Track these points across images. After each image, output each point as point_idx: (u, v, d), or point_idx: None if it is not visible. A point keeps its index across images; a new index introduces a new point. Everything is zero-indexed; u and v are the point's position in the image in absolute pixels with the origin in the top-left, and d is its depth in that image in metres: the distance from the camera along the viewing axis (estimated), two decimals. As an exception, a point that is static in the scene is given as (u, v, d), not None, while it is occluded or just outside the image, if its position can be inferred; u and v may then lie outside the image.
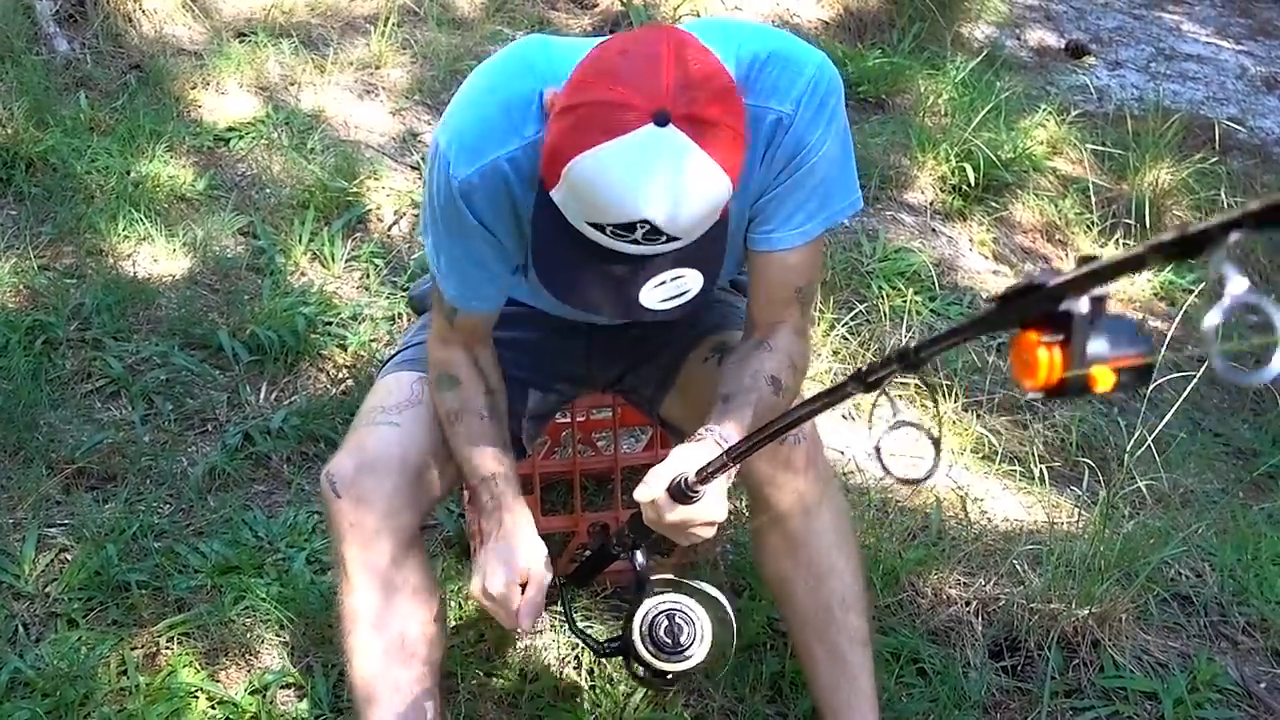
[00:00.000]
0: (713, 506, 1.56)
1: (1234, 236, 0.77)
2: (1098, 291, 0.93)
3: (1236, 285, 0.79)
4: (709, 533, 1.60)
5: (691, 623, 1.66)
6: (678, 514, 1.55)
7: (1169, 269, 3.87)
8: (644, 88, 1.41)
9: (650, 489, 1.56)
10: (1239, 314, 0.80)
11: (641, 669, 1.69)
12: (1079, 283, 0.91)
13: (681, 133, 1.41)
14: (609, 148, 1.41)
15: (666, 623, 1.66)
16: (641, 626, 1.66)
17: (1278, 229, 0.75)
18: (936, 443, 1.16)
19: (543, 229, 1.55)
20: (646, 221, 1.44)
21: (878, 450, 1.20)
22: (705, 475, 1.50)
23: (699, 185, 1.44)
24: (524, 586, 1.73)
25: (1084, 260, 0.90)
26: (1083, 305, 0.93)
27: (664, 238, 1.47)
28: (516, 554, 1.74)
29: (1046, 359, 0.94)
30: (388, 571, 1.80)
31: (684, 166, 1.42)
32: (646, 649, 1.66)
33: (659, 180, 1.41)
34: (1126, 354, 0.94)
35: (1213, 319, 0.80)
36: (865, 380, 1.17)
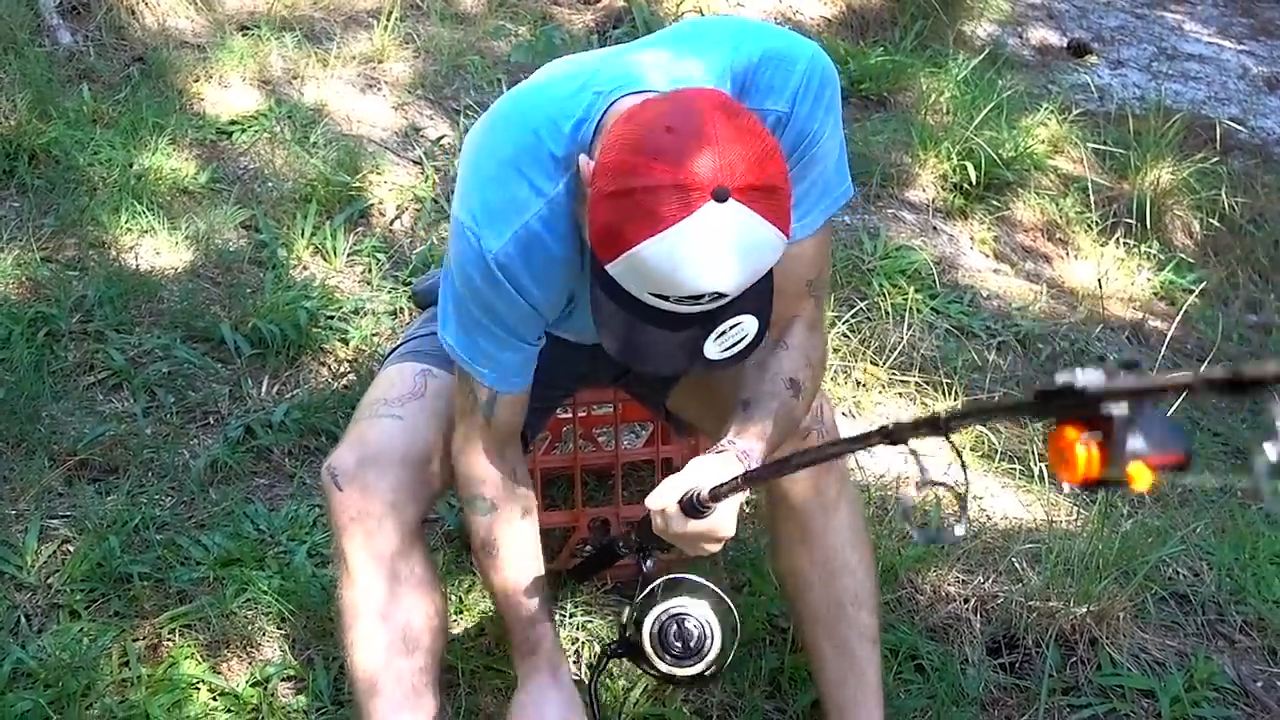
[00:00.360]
0: (722, 523, 1.57)
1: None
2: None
3: None
4: (714, 549, 1.62)
5: (701, 625, 1.67)
6: (686, 527, 1.56)
7: (1169, 270, 3.89)
8: (699, 166, 1.40)
9: (662, 498, 1.57)
10: None
11: (654, 671, 1.71)
12: (1123, 392, 0.91)
13: (740, 204, 1.41)
14: (674, 233, 1.40)
15: (676, 627, 1.67)
16: (652, 631, 1.68)
17: None
18: (963, 500, 1.18)
19: (600, 299, 1.51)
20: (716, 293, 1.45)
21: (906, 516, 1.22)
22: (719, 494, 1.51)
23: (761, 251, 1.45)
24: None
25: (1126, 365, 0.91)
26: (1122, 408, 0.93)
27: (727, 298, 1.47)
28: (554, 714, 1.81)
29: (1084, 457, 0.94)
30: (389, 564, 1.81)
31: (746, 237, 1.42)
32: (657, 654, 1.67)
33: (725, 255, 1.42)
34: (1165, 453, 0.94)
35: (1267, 456, 0.81)
36: (891, 437, 1.18)
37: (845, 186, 1.80)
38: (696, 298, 1.45)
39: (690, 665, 1.67)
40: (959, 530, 1.20)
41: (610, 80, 1.62)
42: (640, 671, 1.77)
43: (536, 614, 1.82)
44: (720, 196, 1.40)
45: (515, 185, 1.62)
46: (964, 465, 1.20)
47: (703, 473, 1.57)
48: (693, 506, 1.54)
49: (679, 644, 1.66)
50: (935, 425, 1.12)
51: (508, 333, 1.70)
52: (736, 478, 1.50)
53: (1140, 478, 0.93)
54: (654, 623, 1.67)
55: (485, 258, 1.62)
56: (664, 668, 1.67)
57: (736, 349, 1.54)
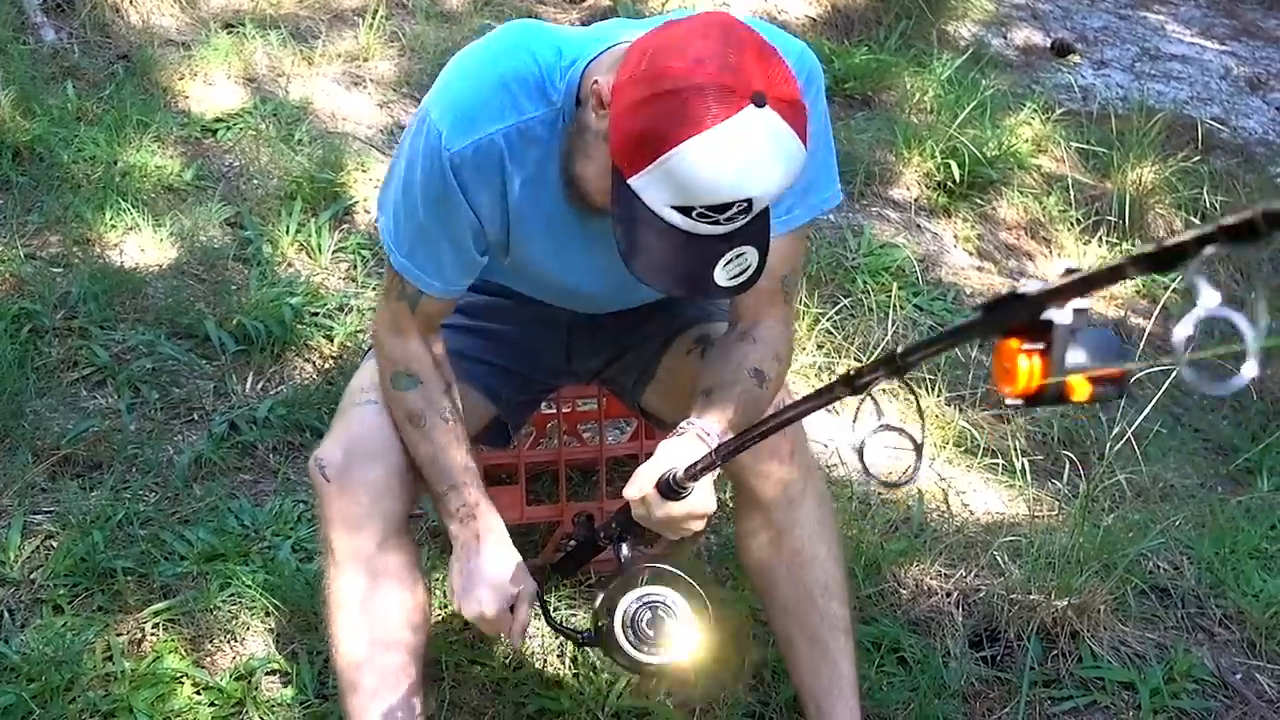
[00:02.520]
0: (701, 500, 1.58)
1: (1208, 250, 0.79)
2: (1080, 303, 0.96)
3: (1208, 298, 0.81)
4: (699, 525, 1.62)
5: (673, 615, 1.67)
6: (667, 510, 1.57)
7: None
8: (737, 70, 1.41)
9: (639, 486, 1.58)
10: (1209, 326, 0.82)
11: (623, 660, 1.70)
12: (1061, 292, 0.93)
13: (775, 113, 1.42)
14: (717, 132, 1.40)
15: (649, 614, 1.67)
16: (624, 618, 1.67)
17: (1250, 244, 0.77)
18: (919, 446, 1.19)
19: (621, 215, 1.50)
20: (747, 200, 1.45)
21: (860, 453, 1.22)
22: (693, 473, 1.52)
23: (790, 161, 1.46)
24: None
25: (1067, 272, 0.92)
26: (1065, 315, 0.95)
27: (739, 216, 1.47)
28: (504, 573, 1.77)
29: (1026, 367, 0.96)
30: (375, 558, 1.81)
31: (781, 145, 1.44)
32: (628, 640, 1.67)
33: (764, 160, 1.43)
34: (1105, 366, 0.96)
35: (1183, 330, 0.82)
36: (853, 383, 1.19)
37: (832, 192, 1.80)
38: (723, 208, 1.45)
39: (659, 654, 1.65)
40: (915, 478, 1.21)
41: (616, 33, 1.64)
42: (610, 662, 1.76)
43: (468, 478, 1.80)
44: (759, 101, 1.41)
45: (495, 96, 1.63)
46: (919, 404, 1.21)
47: (673, 455, 1.58)
48: (670, 489, 1.55)
49: (651, 631, 1.65)
50: (891, 364, 1.13)
51: (445, 234, 1.70)
52: (710, 453, 1.50)
53: (1079, 389, 0.96)
54: (627, 608, 1.66)
55: (442, 154, 1.62)
56: (632, 653, 1.66)
57: (741, 278, 1.54)
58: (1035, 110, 4.44)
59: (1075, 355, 0.95)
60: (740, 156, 1.41)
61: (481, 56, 1.68)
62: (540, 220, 1.71)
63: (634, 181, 1.46)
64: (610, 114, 1.49)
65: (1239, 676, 2.40)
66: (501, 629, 1.78)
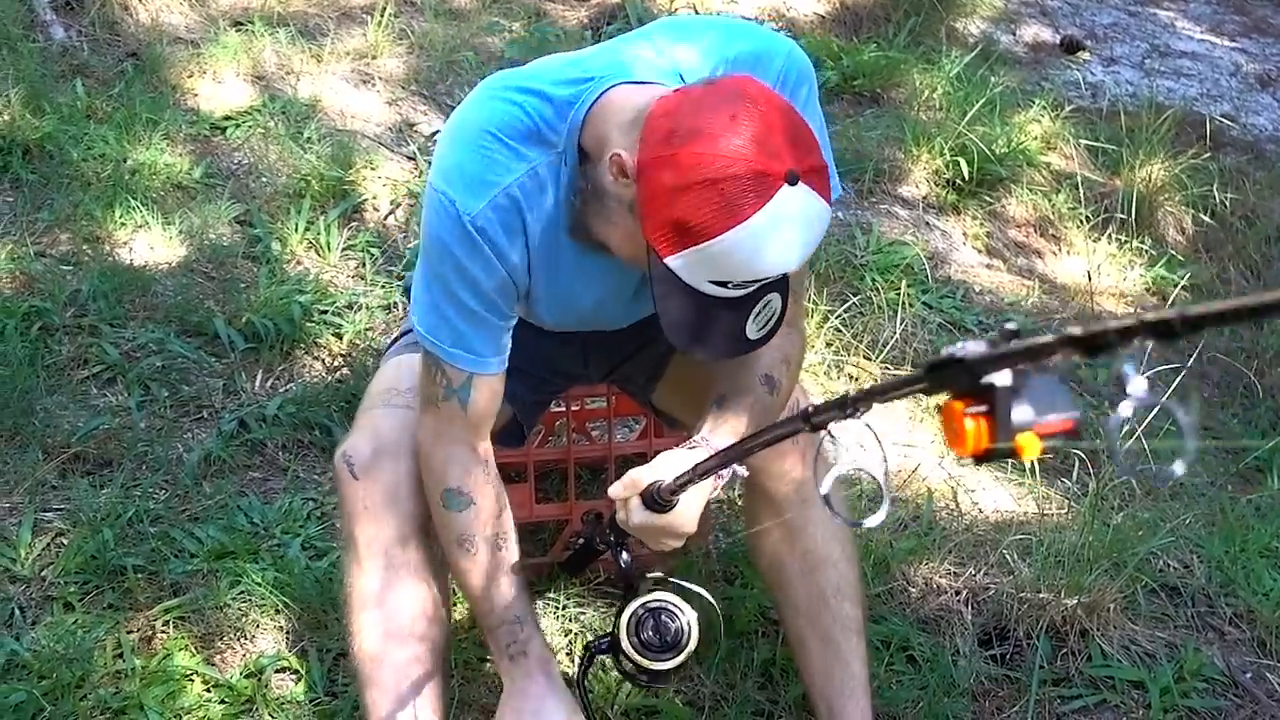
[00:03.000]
0: (682, 519, 1.58)
1: (1133, 341, 0.80)
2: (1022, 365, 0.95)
3: (1136, 386, 0.84)
4: (675, 544, 1.63)
5: (677, 619, 1.68)
6: (645, 519, 1.57)
7: (1160, 266, 3.90)
8: (771, 153, 1.43)
9: (624, 489, 1.58)
10: (1142, 413, 0.85)
11: (629, 666, 1.71)
12: (998, 360, 0.93)
13: (806, 186, 1.45)
14: (757, 219, 1.43)
15: (653, 621, 1.67)
16: (629, 625, 1.68)
17: (1173, 340, 0.79)
18: (882, 483, 1.22)
19: (661, 292, 1.52)
20: (784, 274, 1.49)
21: (827, 501, 1.25)
22: (677, 486, 1.52)
23: (821, 226, 1.50)
24: None
25: (1007, 335, 0.93)
26: (1005, 378, 0.95)
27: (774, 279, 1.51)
28: None
29: (973, 430, 0.96)
30: (397, 554, 1.81)
31: (812, 216, 1.47)
32: (633, 647, 1.67)
33: (797, 236, 1.47)
34: (1051, 420, 0.96)
35: (1116, 417, 0.85)
36: (810, 421, 1.22)
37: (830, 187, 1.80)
38: (757, 280, 1.48)
39: (664, 660, 1.67)
40: (878, 517, 1.24)
41: (603, 68, 1.63)
42: (624, 673, 1.77)
43: (521, 614, 1.80)
44: (792, 180, 1.43)
45: (496, 152, 1.62)
46: (879, 443, 1.23)
47: (668, 466, 1.57)
48: (654, 499, 1.55)
49: (655, 637, 1.67)
50: (844, 406, 1.16)
51: (484, 305, 1.68)
52: (690, 469, 1.50)
53: (1029, 447, 0.95)
54: (632, 615, 1.67)
55: (462, 220, 1.61)
56: (637, 658, 1.67)
57: (769, 326, 1.57)
58: (1044, 107, 4.43)
59: (1021, 412, 0.95)
60: (779, 238, 1.45)
61: (469, 119, 1.67)
62: (555, 260, 1.71)
63: (671, 261, 1.48)
64: (639, 193, 1.49)
65: (1249, 675, 2.40)
66: None
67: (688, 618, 1.68)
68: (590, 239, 1.64)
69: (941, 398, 1.00)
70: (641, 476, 1.57)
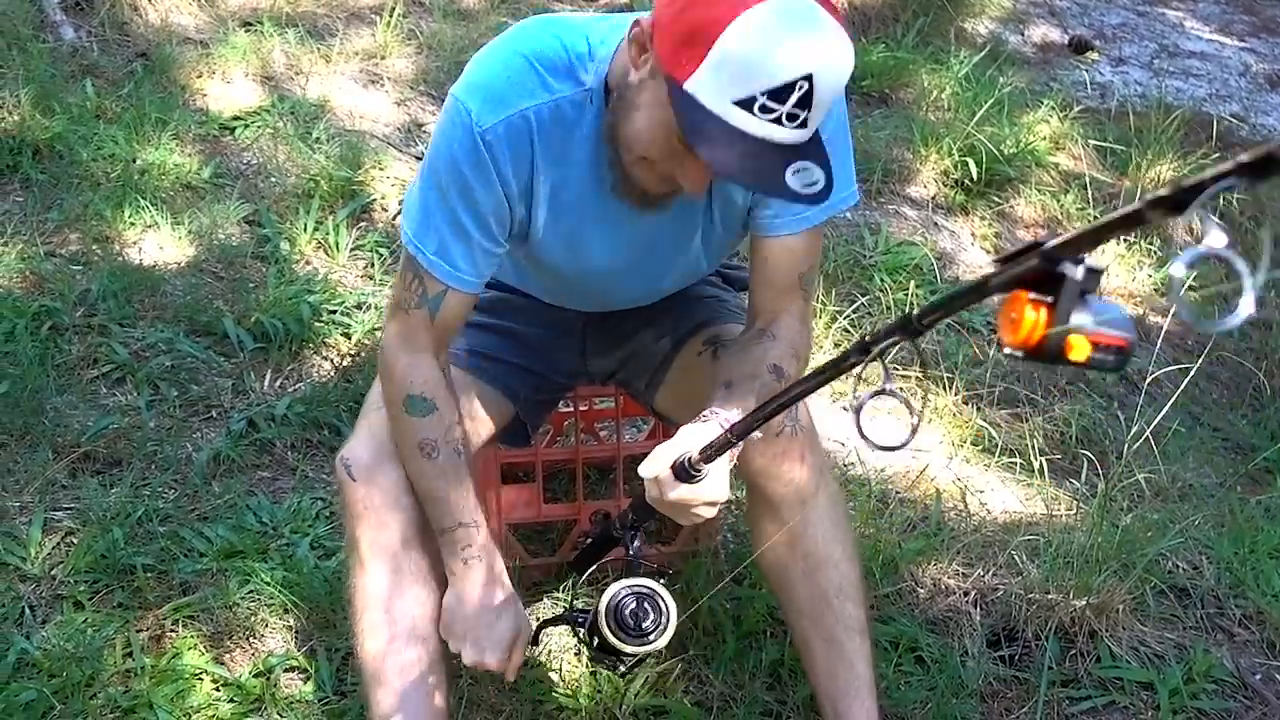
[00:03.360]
0: (715, 486, 1.58)
1: (1223, 184, 0.79)
2: (1096, 263, 0.96)
3: (1215, 239, 0.82)
4: (710, 512, 1.62)
5: (658, 609, 1.68)
6: (680, 492, 1.56)
7: (1169, 267, 3.88)
8: None
9: (654, 465, 1.57)
10: (1206, 263, 0.83)
11: (597, 642, 1.72)
12: (1077, 242, 0.94)
13: (814, 1, 1.45)
14: (765, 7, 1.42)
15: (634, 604, 1.68)
16: (610, 603, 1.68)
17: (1267, 180, 0.77)
18: (912, 410, 1.19)
19: (690, 128, 1.49)
20: (807, 79, 1.44)
21: (857, 413, 1.22)
22: (708, 453, 1.51)
23: (842, 46, 1.48)
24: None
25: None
26: (1077, 271, 0.96)
27: (801, 119, 1.47)
28: (509, 624, 1.80)
29: (1032, 318, 0.96)
30: (399, 555, 1.81)
31: (828, 27, 1.46)
32: (609, 626, 1.68)
33: (814, 36, 1.45)
34: (1107, 332, 0.97)
35: (1179, 268, 0.83)
36: (868, 348, 1.19)
37: (850, 191, 1.81)
38: (781, 95, 1.44)
39: (638, 644, 1.67)
40: (903, 437, 1.21)
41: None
42: (589, 648, 1.78)
43: (477, 519, 1.78)
44: None
45: (525, 76, 1.64)
46: (924, 369, 1.22)
47: (690, 438, 1.57)
48: (685, 470, 1.54)
49: (631, 620, 1.67)
50: (907, 326, 1.13)
51: (476, 223, 1.68)
52: (723, 433, 1.50)
53: (1079, 348, 0.96)
54: (614, 595, 1.68)
55: (474, 131, 1.62)
56: (606, 632, 1.68)
57: (813, 189, 1.53)
58: (1053, 108, 4.43)
59: (1081, 316, 0.96)
60: (789, 28, 1.43)
61: (507, 41, 1.70)
62: (563, 202, 1.72)
63: (690, 85, 1.46)
64: (654, 39, 1.51)
65: (1259, 677, 2.39)
66: (504, 669, 1.81)
67: (667, 606, 1.68)
68: (618, 168, 1.64)
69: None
70: (668, 452, 1.57)
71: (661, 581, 1.69)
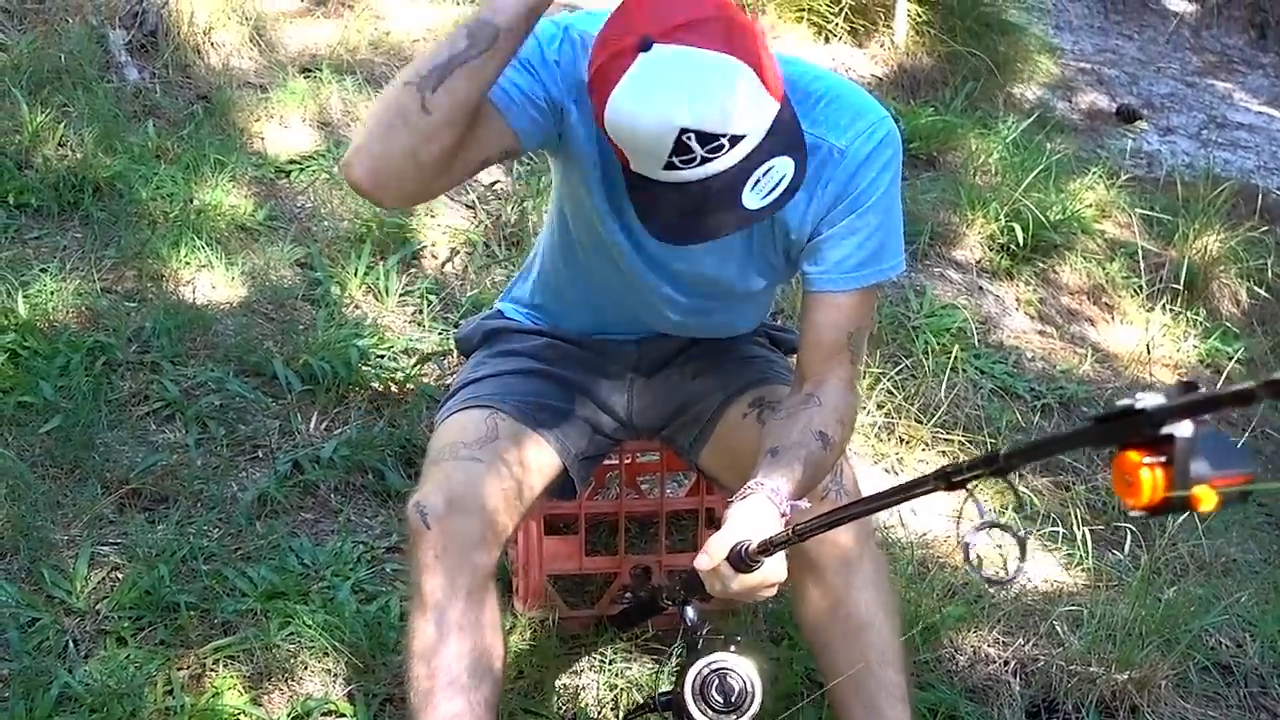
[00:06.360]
0: (775, 569, 1.60)
1: None
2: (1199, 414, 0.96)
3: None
4: (771, 593, 1.64)
5: (741, 680, 1.69)
6: (740, 582, 1.58)
7: (1215, 338, 3.87)
8: (624, 29, 1.53)
9: (710, 558, 1.58)
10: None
11: None
12: (1182, 411, 0.94)
13: (668, 44, 1.50)
14: (619, 89, 1.52)
15: (718, 681, 1.69)
16: (694, 685, 1.69)
17: None
18: (1022, 544, 1.20)
19: (637, 196, 1.62)
20: (688, 130, 1.51)
21: (966, 550, 1.23)
22: (768, 548, 1.53)
23: (709, 77, 1.52)
24: None
25: (1186, 386, 0.93)
26: (1185, 428, 0.95)
27: (724, 141, 1.53)
28: None
29: (1149, 480, 0.96)
30: (460, 607, 1.81)
31: (685, 70, 1.51)
32: (699, 708, 1.69)
33: (669, 92, 1.51)
34: (1229, 474, 0.96)
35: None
36: (950, 479, 1.20)
37: (898, 260, 1.85)
38: (681, 147, 1.52)
39: (733, 718, 1.68)
40: (1016, 571, 1.22)
41: None
42: None
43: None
44: (645, 45, 1.50)
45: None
46: (1020, 503, 1.22)
47: (745, 524, 1.58)
48: (742, 561, 1.55)
49: (720, 698, 1.68)
50: (993, 464, 1.13)
51: (535, 66, 1.71)
52: (785, 531, 1.51)
53: (1206, 499, 0.96)
54: (696, 675, 1.69)
55: (563, 23, 1.73)
56: (700, 718, 1.68)
57: (776, 193, 1.58)
58: (1100, 175, 4.43)
59: (1199, 466, 0.96)
60: (645, 99, 1.51)
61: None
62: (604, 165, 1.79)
63: (632, 165, 1.59)
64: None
65: (1303, 760, 2.36)
66: None
67: (750, 678, 1.69)
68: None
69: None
70: (723, 542, 1.58)
71: (733, 650, 1.70)
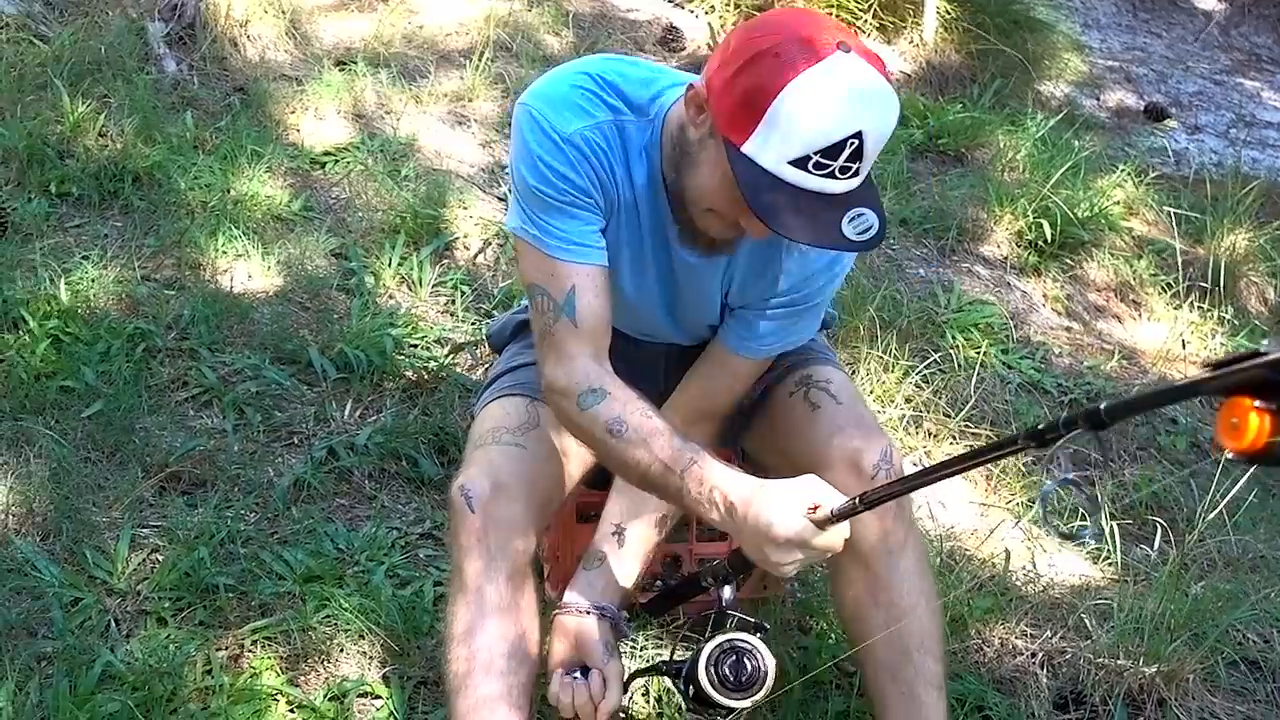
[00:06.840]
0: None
1: None
2: None
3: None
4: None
5: (757, 662, 1.70)
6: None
7: (1243, 336, 3.87)
8: (819, 28, 1.56)
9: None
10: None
11: (693, 692, 1.74)
12: None
13: (862, 59, 1.55)
14: (812, 73, 1.53)
15: (735, 657, 1.70)
16: (710, 655, 1.71)
17: None
18: (1095, 507, 1.21)
19: (744, 183, 1.59)
20: (857, 136, 1.54)
21: (1043, 500, 1.24)
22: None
23: (886, 100, 1.57)
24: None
25: None
26: None
27: (853, 170, 1.57)
28: (792, 522, 1.59)
29: (1257, 423, 1.00)
30: (501, 590, 1.85)
31: (875, 83, 1.56)
32: (709, 680, 1.70)
33: (861, 95, 1.54)
34: None
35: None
36: (1044, 437, 1.22)
37: (809, 334, 2.03)
38: (833, 152, 1.54)
39: (734, 698, 1.71)
40: (1090, 532, 1.23)
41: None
42: (685, 699, 1.81)
43: (694, 453, 1.69)
44: (845, 49, 1.54)
45: (591, 94, 1.76)
46: (1107, 463, 1.23)
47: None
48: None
49: (731, 674, 1.71)
50: (1091, 419, 1.14)
51: (575, 195, 1.75)
52: (854, 499, 1.54)
53: None
54: (716, 646, 1.71)
55: (552, 133, 1.73)
56: (708, 689, 1.71)
57: (868, 235, 1.61)
58: (1128, 173, 4.43)
59: None
60: (838, 91, 1.53)
61: (577, 64, 1.81)
62: (624, 221, 1.83)
63: (747, 147, 1.57)
64: (710, 103, 1.61)
65: (1329, 755, 2.37)
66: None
67: (766, 667, 1.71)
68: (680, 210, 1.76)
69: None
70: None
71: (760, 637, 1.72)
